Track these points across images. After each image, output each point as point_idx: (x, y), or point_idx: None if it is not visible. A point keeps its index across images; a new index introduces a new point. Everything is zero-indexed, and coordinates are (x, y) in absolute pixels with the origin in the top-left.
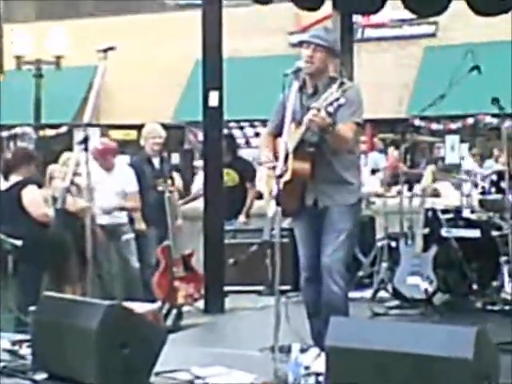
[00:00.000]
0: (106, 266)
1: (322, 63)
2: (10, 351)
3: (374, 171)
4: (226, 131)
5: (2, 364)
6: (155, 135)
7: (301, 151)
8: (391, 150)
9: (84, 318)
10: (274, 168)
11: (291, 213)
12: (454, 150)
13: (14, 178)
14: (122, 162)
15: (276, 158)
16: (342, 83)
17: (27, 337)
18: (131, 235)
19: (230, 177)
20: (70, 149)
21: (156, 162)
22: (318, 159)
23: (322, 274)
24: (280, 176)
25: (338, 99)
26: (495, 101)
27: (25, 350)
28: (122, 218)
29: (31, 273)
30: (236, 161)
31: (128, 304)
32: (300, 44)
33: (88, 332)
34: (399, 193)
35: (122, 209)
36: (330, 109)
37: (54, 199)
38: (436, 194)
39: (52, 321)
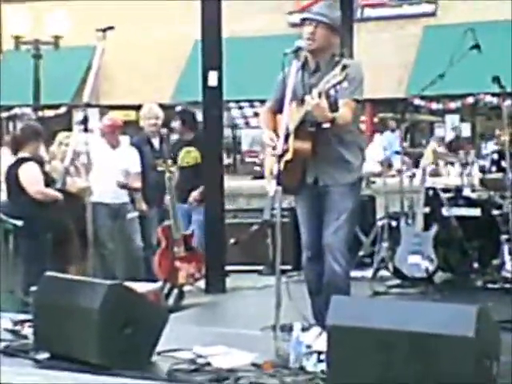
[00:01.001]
0: (110, 246)
1: (324, 40)
2: (11, 331)
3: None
4: (180, 108)
5: (4, 344)
6: (151, 116)
7: (302, 130)
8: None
9: (86, 298)
10: (274, 148)
11: (292, 190)
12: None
13: (21, 155)
14: (125, 142)
15: (277, 135)
16: (344, 66)
17: (29, 317)
18: (135, 214)
19: (192, 155)
20: (70, 129)
21: (155, 142)
22: (318, 138)
23: (324, 253)
24: (281, 156)
25: (340, 82)
26: (496, 79)
27: (27, 330)
28: (125, 197)
29: (30, 252)
30: (198, 138)
31: (130, 284)
32: (302, 21)
33: (90, 312)
34: (399, 171)
35: (125, 187)
36: (332, 91)
37: (53, 180)
38: (436, 173)
39: (54, 301)
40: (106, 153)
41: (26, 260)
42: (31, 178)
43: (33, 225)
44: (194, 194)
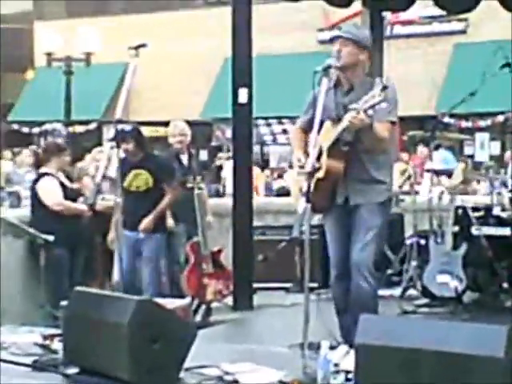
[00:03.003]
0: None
1: (351, 57)
2: (41, 345)
3: (437, 173)
4: (130, 127)
5: (34, 358)
6: (177, 133)
7: (335, 149)
8: (420, 147)
9: (115, 313)
10: (302, 167)
11: (321, 209)
12: (483, 147)
13: (42, 171)
14: None
15: (307, 154)
16: (385, 87)
17: (59, 331)
18: None
19: (142, 179)
20: (100, 145)
21: (184, 158)
22: (351, 158)
23: (351, 271)
24: (311, 173)
25: (379, 103)
26: None
27: (56, 345)
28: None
29: (53, 266)
30: (148, 159)
31: (158, 300)
32: (330, 41)
33: (119, 327)
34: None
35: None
36: (371, 111)
37: (84, 196)
38: (466, 191)
39: (83, 315)
40: None
41: (53, 273)
42: (48, 191)
43: (54, 239)
44: (146, 222)
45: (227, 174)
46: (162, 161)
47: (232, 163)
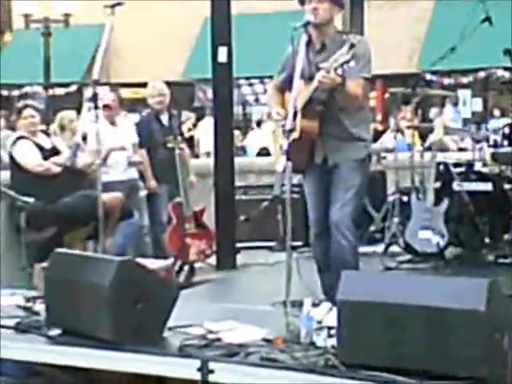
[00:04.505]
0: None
1: (328, 14)
2: (24, 308)
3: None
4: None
5: (17, 320)
6: (156, 94)
7: (309, 109)
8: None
9: (97, 274)
10: (282, 124)
11: (300, 169)
12: (465, 104)
13: (16, 134)
14: (128, 119)
15: (286, 113)
16: (352, 45)
17: (41, 293)
18: (144, 192)
19: (81, 232)
20: (80, 107)
21: (164, 119)
22: (326, 116)
23: (331, 229)
24: (290, 131)
25: (348, 61)
26: (507, 52)
27: (38, 307)
28: (136, 173)
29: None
30: (64, 223)
31: (141, 260)
32: (302, 1)
33: (101, 288)
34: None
35: (134, 164)
36: (340, 70)
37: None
38: (445, 147)
39: (65, 277)
40: (111, 129)
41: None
42: (25, 155)
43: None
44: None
45: (200, 134)
46: (73, 211)
47: (203, 123)
